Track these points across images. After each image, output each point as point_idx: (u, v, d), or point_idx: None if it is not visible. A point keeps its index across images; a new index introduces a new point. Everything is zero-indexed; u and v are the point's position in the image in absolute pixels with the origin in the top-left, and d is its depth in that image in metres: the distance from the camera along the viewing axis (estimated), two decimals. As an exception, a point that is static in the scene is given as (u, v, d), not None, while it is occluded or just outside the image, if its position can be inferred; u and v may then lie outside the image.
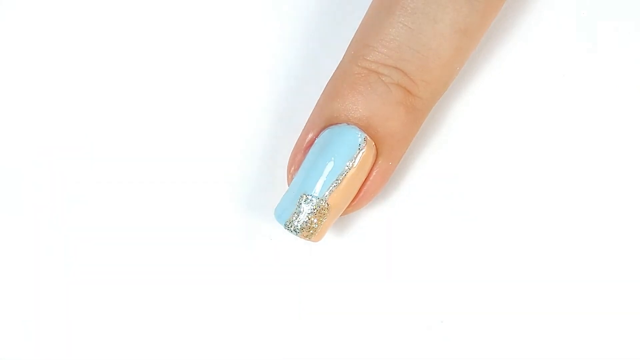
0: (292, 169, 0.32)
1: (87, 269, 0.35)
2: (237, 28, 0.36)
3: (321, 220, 0.31)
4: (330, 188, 0.31)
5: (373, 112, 0.31)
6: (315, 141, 0.32)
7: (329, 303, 0.34)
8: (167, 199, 0.35)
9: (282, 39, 0.36)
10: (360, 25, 0.32)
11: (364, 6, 0.33)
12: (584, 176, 0.34)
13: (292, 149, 0.33)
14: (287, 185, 0.33)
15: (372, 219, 0.34)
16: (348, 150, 0.31)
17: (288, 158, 0.33)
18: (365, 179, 0.32)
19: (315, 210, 0.31)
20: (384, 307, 0.34)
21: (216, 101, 0.35)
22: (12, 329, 0.34)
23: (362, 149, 0.31)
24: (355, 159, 0.31)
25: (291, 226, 0.32)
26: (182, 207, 0.35)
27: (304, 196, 0.31)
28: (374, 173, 0.32)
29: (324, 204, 0.31)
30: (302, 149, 0.32)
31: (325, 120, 0.32)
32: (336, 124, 0.32)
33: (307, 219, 0.31)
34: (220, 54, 0.36)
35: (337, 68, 0.32)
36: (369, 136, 0.31)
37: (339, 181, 0.31)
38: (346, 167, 0.31)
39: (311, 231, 0.32)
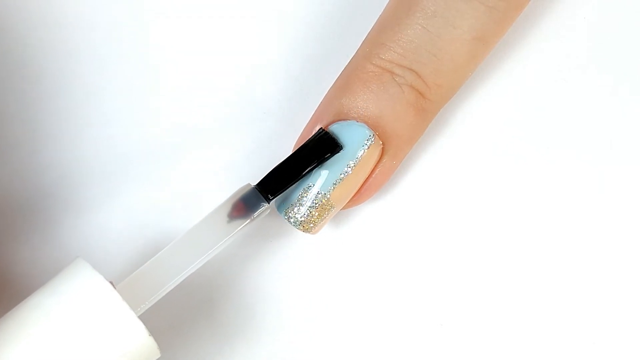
0: None
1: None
2: (237, 27, 0.35)
3: (322, 215, 0.31)
4: (335, 183, 0.31)
5: (383, 112, 0.31)
6: None
7: (322, 299, 0.34)
8: (170, 194, 0.35)
9: (283, 38, 0.35)
10: (376, 22, 0.32)
11: (365, 7, 0.32)
12: (584, 179, 0.34)
13: (298, 138, 0.32)
14: None
15: (371, 215, 0.34)
16: (356, 148, 0.31)
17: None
18: (368, 176, 0.32)
19: (317, 205, 0.31)
20: (379, 306, 0.34)
21: (218, 100, 0.35)
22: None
23: (369, 147, 0.31)
24: (361, 156, 0.31)
25: (291, 218, 0.31)
26: (184, 201, 0.35)
27: (307, 189, 0.31)
28: (377, 170, 0.32)
29: (326, 199, 0.31)
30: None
31: (333, 114, 0.32)
32: (345, 119, 0.31)
33: (309, 212, 0.31)
34: (220, 53, 0.35)
35: (349, 63, 0.32)
36: (377, 134, 0.31)
37: (343, 177, 0.31)
38: (352, 164, 0.31)
39: (311, 224, 0.32)
